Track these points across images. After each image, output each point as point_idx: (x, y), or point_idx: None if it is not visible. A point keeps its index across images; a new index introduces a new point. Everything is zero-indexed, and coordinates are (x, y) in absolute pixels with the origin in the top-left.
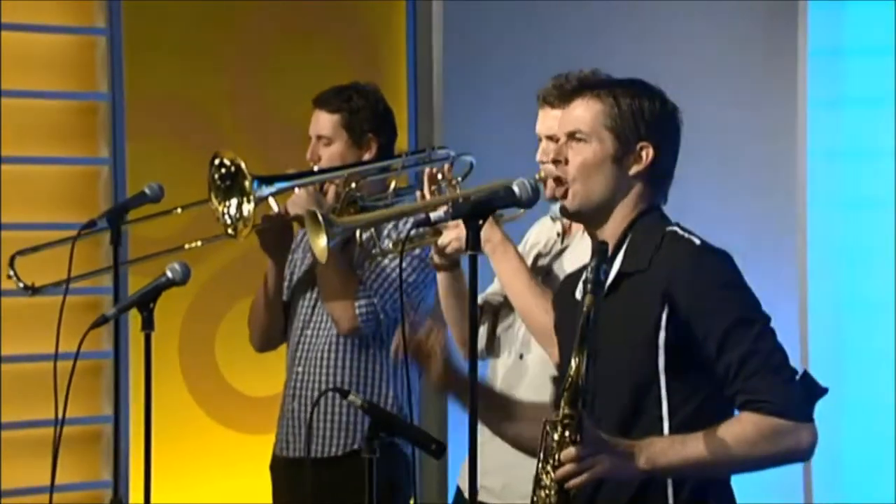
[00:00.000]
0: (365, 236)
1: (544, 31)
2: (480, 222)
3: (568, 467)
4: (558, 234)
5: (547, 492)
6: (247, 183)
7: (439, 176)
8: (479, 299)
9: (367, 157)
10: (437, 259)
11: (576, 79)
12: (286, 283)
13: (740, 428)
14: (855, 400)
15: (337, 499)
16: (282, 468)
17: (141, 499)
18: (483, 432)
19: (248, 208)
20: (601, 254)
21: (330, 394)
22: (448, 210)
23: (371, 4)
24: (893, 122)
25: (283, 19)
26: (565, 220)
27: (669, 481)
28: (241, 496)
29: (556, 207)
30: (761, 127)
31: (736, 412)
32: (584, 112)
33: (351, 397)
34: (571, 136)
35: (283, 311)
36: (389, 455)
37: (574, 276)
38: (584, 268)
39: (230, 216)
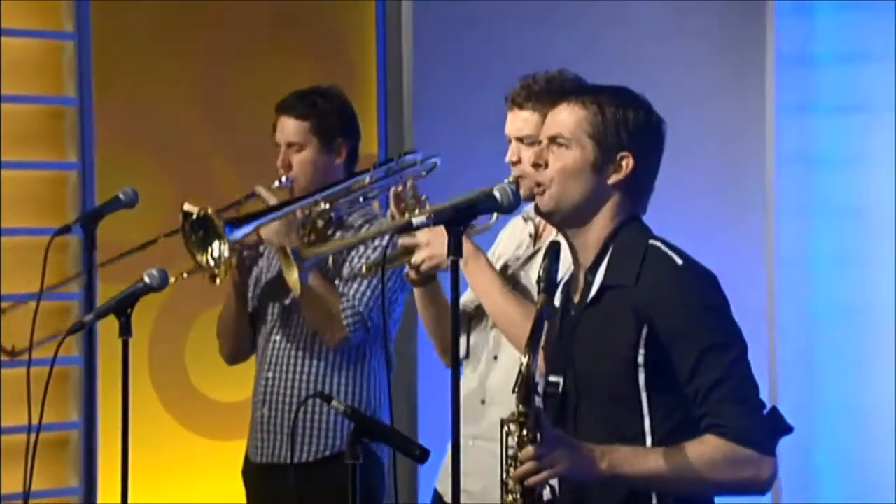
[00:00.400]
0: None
1: (514, 31)
2: (462, 228)
3: (527, 465)
4: (531, 236)
5: (514, 496)
6: (219, 228)
7: (408, 193)
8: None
9: (337, 161)
10: (412, 275)
11: (543, 79)
12: (252, 292)
13: (703, 449)
14: (823, 404)
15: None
16: (254, 474)
17: None
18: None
19: (224, 249)
20: (553, 254)
21: (298, 399)
22: (430, 216)
23: (340, 5)
24: (861, 129)
25: (252, 21)
26: (538, 221)
27: (654, 494)
28: (212, 502)
29: (529, 207)
30: (729, 133)
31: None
32: (567, 117)
33: (334, 403)
34: (553, 140)
35: (251, 323)
36: (364, 460)
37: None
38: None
39: (213, 258)
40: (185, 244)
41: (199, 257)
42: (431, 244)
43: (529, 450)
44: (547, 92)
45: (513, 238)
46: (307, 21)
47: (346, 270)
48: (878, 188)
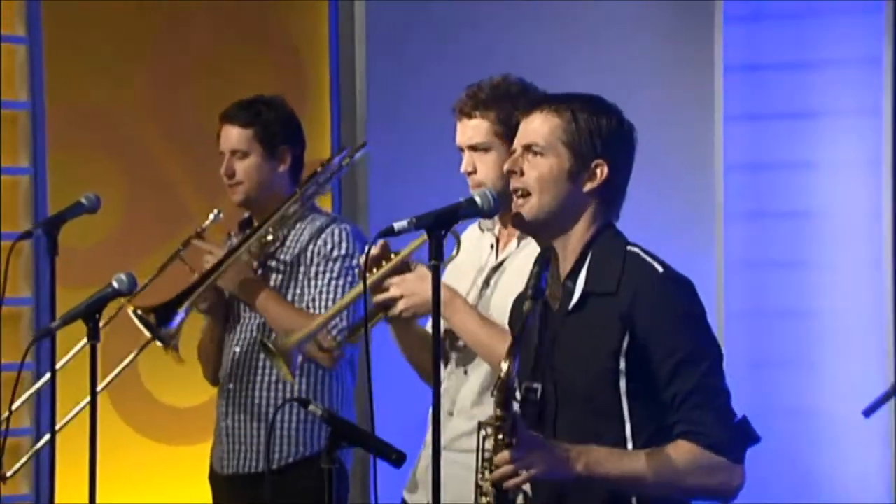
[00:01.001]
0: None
1: (467, 31)
2: (443, 233)
3: (504, 468)
4: (492, 246)
5: (487, 499)
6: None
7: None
8: (427, 325)
9: (281, 168)
10: (393, 325)
11: (488, 86)
12: None
13: (677, 454)
14: (772, 407)
15: None
16: (222, 486)
17: None
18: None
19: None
20: (544, 262)
21: (262, 409)
22: (412, 221)
23: (293, 6)
24: (807, 135)
25: (206, 25)
26: (497, 231)
27: (634, 499)
28: None
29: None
30: (678, 140)
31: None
32: (541, 125)
33: (311, 407)
34: (528, 148)
35: None
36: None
37: (523, 295)
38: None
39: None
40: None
41: (163, 341)
42: (406, 293)
43: (505, 454)
44: (493, 98)
45: (470, 248)
46: (260, 23)
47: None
48: (826, 193)
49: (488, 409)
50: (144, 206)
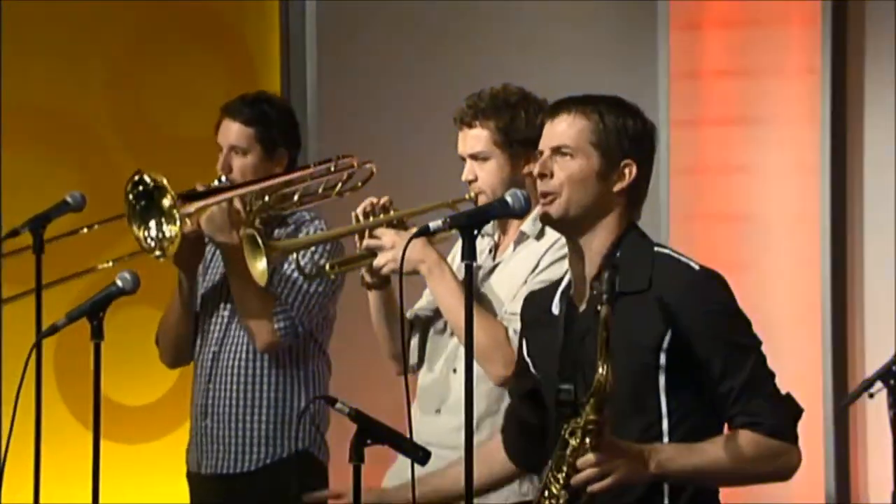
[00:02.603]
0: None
1: (418, 33)
2: (476, 232)
3: (588, 472)
4: (490, 250)
5: (553, 501)
6: (166, 202)
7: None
8: (409, 314)
9: (277, 169)
10: (368, 278)
11: (488, 96)
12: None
13: (742, 444)
14: None
15: None
16: (201, 486)
17: None
18: None
19: (170, 229)
20: (614, 268)
21: (241, 409)
22: (446, 220)
23: (244, 5)
24: (748, 140)
25: (156, 24)
26: (496, 237)
27: (666, 494)
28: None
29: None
30: None
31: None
32: (568, 127)
33: (338, 405)
34: (556, 150)
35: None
36: (304, 463)
37: (543, 293)
38: (554, 284)
39: (152, 238)
40: (127, 210)
41: (135, 230)
42: (396, 247)
43: (590, 457)
44: (493, 108)
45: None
46: (211, 20)
47: (287, 270)
48: (767, 197)
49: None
50: (98, 204)
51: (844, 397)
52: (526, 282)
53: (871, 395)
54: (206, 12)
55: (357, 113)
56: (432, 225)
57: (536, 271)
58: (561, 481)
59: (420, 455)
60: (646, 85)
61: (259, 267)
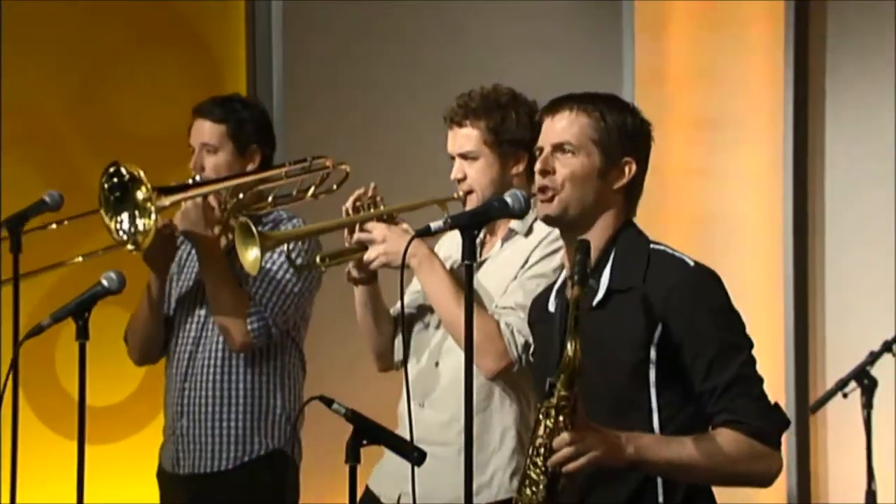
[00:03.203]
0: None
1: (384, 32)
2: (476, 232)
3: (564, 451)
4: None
5: (534, 489)
6: (140, 194)
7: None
8: (392, 311)
9: (250, 167)
10: (355, 273)
11: (479, 96)
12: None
13: (722, 442)
14: None
15: None
16: (175, 485)
17: None
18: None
19: (143, 222)
20: (584, 251)
21: (216, 408)
22: (447, 221)
23: (210, 5)
24: (711, 143)
25: (121, 24)
26: (483, 234)
27: (661, 488)
28: None
29: (437, 224)
30: None
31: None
32: (570, 125)
33: (335, 406)
34: (558, 147)
35: (165, 325)
36: (278, 461)
37: (544, 293)
38: (552, 285)
39: (125, 230)
40: (100, 200)
41: (106, 220)
42: (387, 241)
43: (565, 436)
44: (484, 108)
45: (451, 249)
46: (177, 21)
47: (265, 266)
48: (731, 198)
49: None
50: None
51: (806, 397)
52: (516, 277)
53: (846, 395)
54: (173, 13)
55: (323, 113)
56: (433, 225)
57: (526, 266)
58: (540, 465)
59: (415, 455)
60: (611, 87)
61: (250, 256)
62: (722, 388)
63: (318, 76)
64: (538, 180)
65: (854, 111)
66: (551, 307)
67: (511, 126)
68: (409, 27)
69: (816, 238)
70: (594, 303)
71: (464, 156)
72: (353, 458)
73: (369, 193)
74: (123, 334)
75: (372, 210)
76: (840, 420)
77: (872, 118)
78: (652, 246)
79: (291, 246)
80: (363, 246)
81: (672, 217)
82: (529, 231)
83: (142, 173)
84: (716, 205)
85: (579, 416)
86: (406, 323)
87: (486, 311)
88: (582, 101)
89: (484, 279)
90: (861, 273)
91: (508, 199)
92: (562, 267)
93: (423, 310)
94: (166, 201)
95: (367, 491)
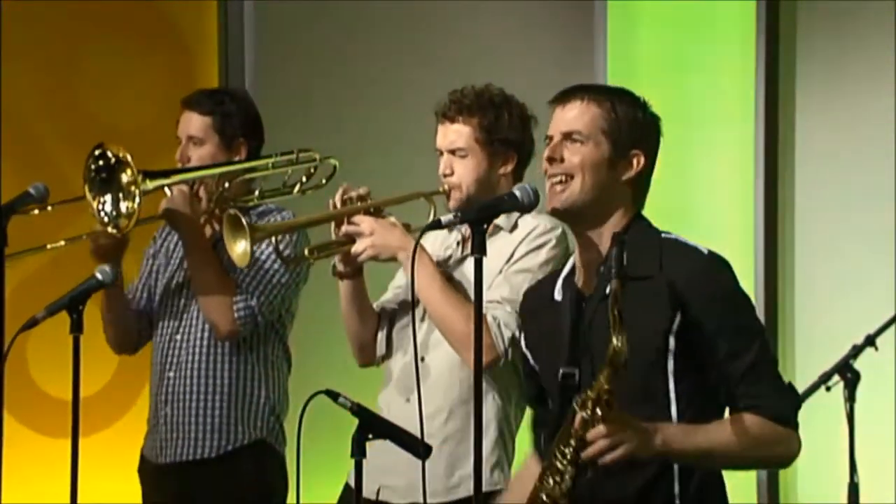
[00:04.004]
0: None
1: (356, 31)
2: (485, 226)
3: (600, 443)
4: (458, 244)
5: (557, 479)
6: (125, 177)
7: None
8: (375, 306)
9: (236, 160)
10: (340, 267)
11: (472, 93)
12: (148, 288)
13: (745, 426)
14: None
15: (212, 500)
16: (156, 473)
17: None
18: None
19: (127, 205)
20: (620, 244)
21: (200, 396)
22: (457, 215)
23: (182, 5)
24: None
25: (94, 19)
26: (464, 229)
27: (676, 477)
28: (58, 500)
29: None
30: None
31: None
32: (581, 114)
33: (341, 399)
34: (567, 136)
35: (141, 315)
36: (264, 456)
37: (543, 283)
38: (554, 274)
39: (107, 213)
40: (85, 179)
41: (90, 198)
42: (375, 234)
43: (602, 428)
44: (478, 105)
45: (435, 245)
46: (149, 20)
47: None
48: (700, 194)
49: (449, 393)
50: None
51: None
52: (501, 271)
53: (829, 389)
54: (146, 9)
55: (295, 109)
56: (444, 219)
57: (512, 261)
58: (568, 456)
59: (420, 450)
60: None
61: (239, 248)
62: (741, 373)
63: (290, 72)
64: (546, 167)
65: (824, 106)
66: (557, 296)
67: (503, 126)
68: (381, 25)
69: (786, 233)
70: (608, 290)
71: (453, 151)
72: (359, 452)
73: (361, 192)
74: (103, 327)
75: (359, 203)
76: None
77: (842, 113)
78: (663, 236)
79: (279, 238)
80: (351, 238)
81: (645, 212)
82: (514, 227)
83: (128, 156)
84: (686, 200)
85: (615, 409)
86: (388, 319)
87: (469, 305)
88: (593, 92)
89: (469, 274)
90: (831, 268)
91: (518, 193)
92: (548, 262)
93: (407, 305)
94: (150, 185)
95: (346, 486)
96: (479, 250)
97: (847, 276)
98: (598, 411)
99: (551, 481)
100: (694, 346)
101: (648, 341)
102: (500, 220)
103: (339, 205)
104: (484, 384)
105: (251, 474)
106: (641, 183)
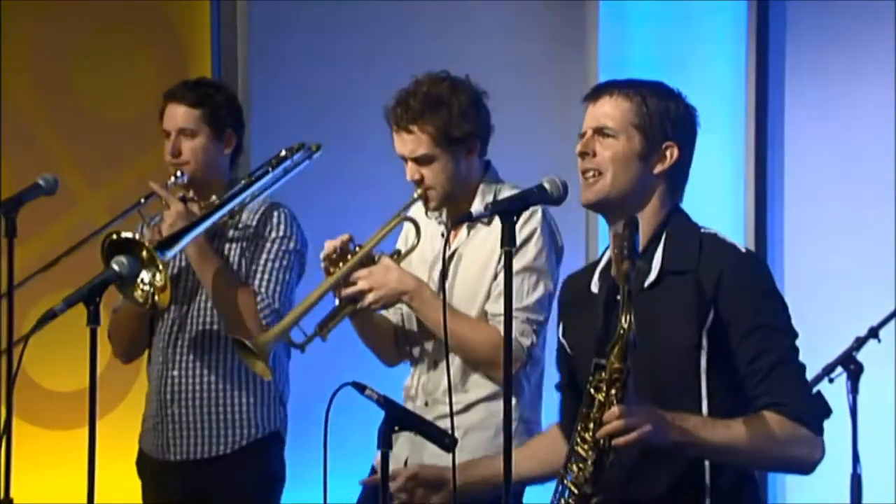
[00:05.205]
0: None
1: (348, 31)
2: (516, 218)
3: (615, 423)
4: (442, 235)
5: (581, 465)
6: (146, 254)
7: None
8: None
9: (226, 151)
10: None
11: (421, 96)
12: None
13: (766, 424)
14: None
15: (226, 494)
16: (165, 472)
17: None
18: None
19: (159, 276)
20: (633, 226)
21: (212, 394)
22: (487, 206)
23: (175, 5)
24: None
25: (89, 19)
26: (440, 217)
27: (707, 473)
28: (53, 492)
29: (415, 209)
30: (554, 133)
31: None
32: (612, 109)
33: (367, 391)
34: (599, 131)
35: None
36: (276, 445)
37: (581, 275)
38: (591, 265)
39: (142, 290)
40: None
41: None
42: (375, 286)
43: (616, 409)
44: (428, 108)
45: (426, 233)
46: (143, 20)
47: (262, 260)
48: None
49: (460, 397)
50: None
51: None
52: (496, 275)
53: (832, 381)
54: (138, 13)
55: (288, 111)
56: (474, 211)
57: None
58: (588, 440)
59: (446, 441)
60: (576, 78)
61: (259, 366)
62: (766, 370)
63: (282, 70)
64: (579, 163)
65: (814, 105)
66: (594, 288)
67: (458, 121)
68: (374, 21)
69: (776, 231)
70: (647, 283)
71: (416, 160)
72: (385, 444)
73: (338, 244)
74: (107, 333)
75: (350, 258)
76: None
77: (832, 111)
78: (702, 230)
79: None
80: (353, 299)
81: None
82: (491, 219)
83: (136, 235)
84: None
85: (630, 392)
86: (406, 324)
87: (486, 324)
88: (623, 87)
89: (463, 271)
90: (820, 266)
91: (547, 186)
92: (540, 253)
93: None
94: (170, 254)
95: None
96: (509, 242)
97: (836, 271)
98: (613, 392)
99: (575, 468)
100: (725, 344)
101: (682, 336)
102: (477, 213)
103: (330, 268)
104: (479, 377)
105: (263, 465)
106: (677, 175)
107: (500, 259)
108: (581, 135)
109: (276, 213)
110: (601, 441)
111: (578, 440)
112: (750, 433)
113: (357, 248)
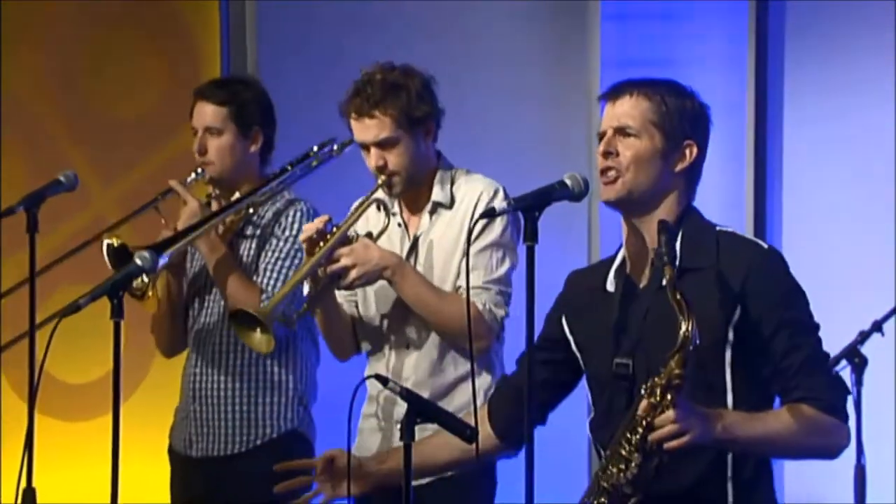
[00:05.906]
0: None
1: (357, 30)
2: (537, 214)
3: (668, 428)
4: (399, 225)
5: (622, 466)
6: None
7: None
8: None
9: (252, 148)
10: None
11: (378, 83)
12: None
13: (800, 416)
14: None
15: (242, 492)
16: (186, 466)
17: None
18: (369, 420)
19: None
20: (668, 231)
21: (227, 393)
22: (510, 202)
23: (185, 5)
24: None
25: (100, 20)
26: (404, 215)
27: (730, 465)
28: (70, 483)
29: (377, 195)
30: (556, 132)
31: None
32: (631, 108)
33: (390, 385)
34: (620, 131)
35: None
36: (296, 444)
37: (591, 272)
38: (602, 263)
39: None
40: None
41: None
42: (358, 262)
43: (670, 414)
44: (388, 93)
45: (368, 225)
46: (154, 20)
47: (268, 258)
48: None
49: (443, 378)
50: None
51: None
52: (465, 254)
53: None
54: (149, 13)
55: (297, 110)
56: (497, 207)
57: (472, 241)
58: (633, 443)
59: (468, 433)
60: (578, 76)
61: (256, 338)
62: (798, 366)
63: (293, 75)
64: (601, 162)
65: (814, 102)
66: (610, 286)
67: (416, 102)
68: (383, 21)
69: (775, 227)
70: (664, 281)
71: (380, 144)
72: (408, 436)
73: (319, 225)
74: (151, 328)
75: (329, 237)
76: None
77: (832, 108)
78: (718, 228)
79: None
80: (337, 276)
81: None
82: (452, 201)
83: (124, 244)
84: None
85: (682, 396)
86: (363, 313)
87: (459, 297)
88: (642, 86)
89: (433, 255)
90: (819, 263)
91: (569, 182)
92: (506, 228)
93: (379, 300)
94: (163, 260)
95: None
96: (531, 237)
97: (836, 267)
98: (669, 396)
99: (615, 469)
100: (751, 339)
101: (707, 332)
102: (437, 196)
103: (311, 249)
104: (455, 353)
105: (281, 461)
106: (694, 173)
107: (468, 240)
108: (601, 134)
109: (291, 211)
110: (650, 444)
111: (623, 441)
112: (787, 425)
113: (335, 229)
